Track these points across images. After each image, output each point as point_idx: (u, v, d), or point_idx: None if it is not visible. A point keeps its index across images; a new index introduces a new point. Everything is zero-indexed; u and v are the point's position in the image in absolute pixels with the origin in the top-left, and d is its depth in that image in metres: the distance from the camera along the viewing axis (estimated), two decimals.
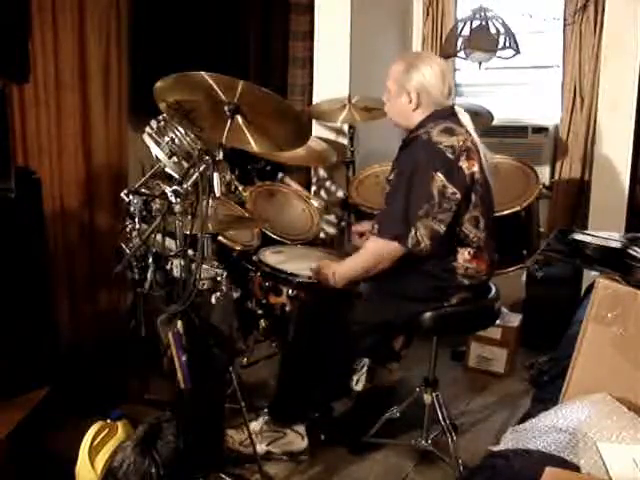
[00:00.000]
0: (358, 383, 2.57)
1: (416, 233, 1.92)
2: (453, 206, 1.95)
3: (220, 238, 2.51)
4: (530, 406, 2.24)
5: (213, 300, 1.89)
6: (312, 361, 2.14)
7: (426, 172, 1.94)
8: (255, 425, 2.23)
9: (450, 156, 1.95)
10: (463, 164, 1.97)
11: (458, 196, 1.95)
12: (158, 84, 1.82)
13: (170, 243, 1.89)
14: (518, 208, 2.65)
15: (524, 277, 3.31)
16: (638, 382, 1.67)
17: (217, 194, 1.81)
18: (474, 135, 2.07)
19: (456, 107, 2.12)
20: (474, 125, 2.12)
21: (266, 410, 2.28)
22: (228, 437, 2.16)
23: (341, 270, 2.09)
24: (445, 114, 2.07)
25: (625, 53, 3.00)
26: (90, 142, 2.89)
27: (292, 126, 2.03)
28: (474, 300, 2.12)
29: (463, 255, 2.04)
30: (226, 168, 1.96)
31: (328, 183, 3.74)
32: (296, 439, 2.22)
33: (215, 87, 1.80)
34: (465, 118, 2.10)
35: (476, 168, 2.01)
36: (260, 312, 2.57)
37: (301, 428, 2.24)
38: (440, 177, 1.93)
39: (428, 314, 2.05)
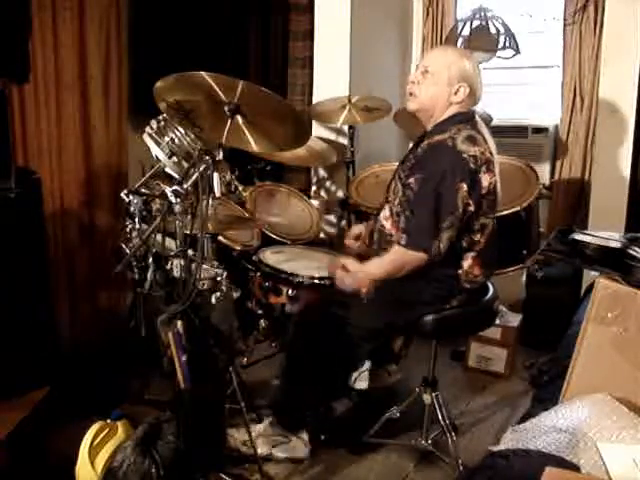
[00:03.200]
0: (358, 381, 2.56)
1: (439, 244, 1.92)
2: (465, 217, 1.95)
3: (220, 238, 2.51)
4: (530, 406, 2.24)
5: (213, 300, 1.89)
6: (313, 365, 2.11)
7: (453, 182, 1.91)
8: (260, 427, 2.22)
9: (472, 166, 1.93)
10: (483, 176, 1.96)
11: (472, 208, 1.95)
12: (158, 84, 1.82)
13: (170, 243, 1.89)
14: (518, 208, 2.65)
15: (524, 277, 3.31)
16: (638, 382, 1.67)
17: (217, 194, 1.81)
18: (491, 143, 2.04)
19: (475, 112, 2.09)
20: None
21: (271, 417, 2.26)
22: (229, 437, 2.16)
23: (368, 271, 2.00)
24: (467, 118, 2.04)
25: (625, 53, 3.00)
26: (90, 142, 2.89)
27: (292, 126, 2.02)
28: (473, 302, 2.11)
29: (467, 261, 2.03)
30: (226, 168, 1.95)
31: (328, 183, 3.74)
32: (299, 445, 2.21)
33: (215, 87, 1.80)
34: (483, 125, 2.08)
35: (494, 179, 1.99)
36: (260, 312, 2.57)
37: (305, 435, 2.22)
38: (464, 187, 1.91)
39: (429, 318, 2.04)
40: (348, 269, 2.02)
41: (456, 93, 2.02)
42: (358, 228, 2.43)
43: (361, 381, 2.58)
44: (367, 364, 2.59)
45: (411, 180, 2.00)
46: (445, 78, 2.01)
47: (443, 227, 1.91)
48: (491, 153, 2.02)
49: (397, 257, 1.97)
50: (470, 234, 2.01)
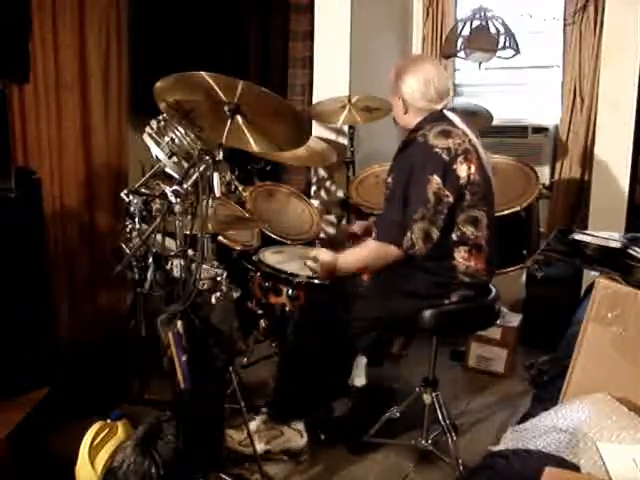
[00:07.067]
0: (357, 379, 2.55)
1: (411, 236, 1.94)
2: (445, 209, 1.97)
3: (220, 238, 2.51)
4: (530, 406, 2.24)
5: (213, 300, 1.89)
6: (310, 358, 2.14)
7: (422, 175, 1.95)
8: (253, 425, 2.22)
9: (446, 158, 1.96)
10: (459, 166, 1.98)
11: (450, 199, 1.97)
12: (158, 84, 1.82)
13: (170, 243, 1.89)
14: (518, 208, 2.65)
15: (524, 277, 3.31)
16: (638, 382, 1.67)
17: (217, 194, 1.81)
18: (471, 136, 2.08)
19: (445, 111, 2.12)
20: (471, 125, 2.13)
21: (264, 409, 2.27)
22: (228, 437, 2.16)
23: (341, 261, 2.12)
24: (439, 117, 2.09)
25: (625, 53, 3.00)
26: (90, 142, 2.89)
27: (292, 126, 2.02)
28: (474, 299, 2.11)
29: (460, 253, 2.04)
30: (226, 168, 1.95)
31: (328, 183, 3.74)
32: (295, 437, 2.22)
33: (215, 87, 1.80)
34: (456, 120, 2.10)
35: (473, 169, 2.01)
36: (260, 312, 2.58)
37: (300, 425, 2.24)
38: (436, 180, 1.94)
39: (428, 312, 2.04)
40: (320, 260, 2.15)
41: (409, 98, 2.10)
42: (355, 227, 2.48)
43: (358, 377, 2.57)
44: (364, 361, 2.58)
45: (389, 180, 2.09)
46: (391, 95, 2.17)
47: (414, 219, 1.94)
48: (472, 145, 2.04)
49: (369, 250, 2.07)
50: (459, 227, 2.02)
